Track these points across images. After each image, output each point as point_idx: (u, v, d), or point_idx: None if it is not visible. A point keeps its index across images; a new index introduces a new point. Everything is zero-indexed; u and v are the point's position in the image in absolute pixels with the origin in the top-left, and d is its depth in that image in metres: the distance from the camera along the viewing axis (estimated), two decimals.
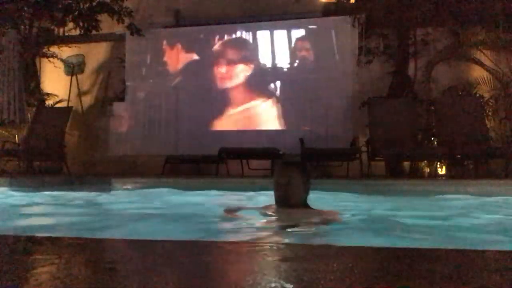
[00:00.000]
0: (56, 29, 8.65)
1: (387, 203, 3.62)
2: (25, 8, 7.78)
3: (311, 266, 0.52)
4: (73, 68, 8.67)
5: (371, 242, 1.78)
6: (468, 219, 2.79)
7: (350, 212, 2.82)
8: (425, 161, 6.80)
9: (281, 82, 7.74)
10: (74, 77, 8.67)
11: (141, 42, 8.12)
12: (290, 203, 2.51)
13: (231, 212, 2.77)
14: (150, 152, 7.78)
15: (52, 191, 4.54)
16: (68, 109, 7.92)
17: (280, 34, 7.85)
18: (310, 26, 7.76)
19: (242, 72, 7.87)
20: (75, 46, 8.60)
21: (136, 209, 3.42)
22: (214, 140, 7.05)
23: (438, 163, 6.67)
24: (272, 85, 7.78)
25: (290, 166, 2.72)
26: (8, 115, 6.55)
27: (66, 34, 8.45)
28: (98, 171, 7.80)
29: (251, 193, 4.02)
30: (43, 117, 7.60)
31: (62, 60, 8.53)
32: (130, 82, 8.24)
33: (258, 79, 7.80)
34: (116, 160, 7.92)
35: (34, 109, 7.97)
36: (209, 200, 3.97)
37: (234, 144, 6.82)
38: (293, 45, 7.78)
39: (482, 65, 6.95)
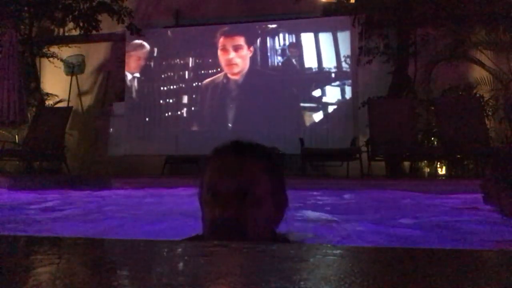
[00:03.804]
0: (56, 29, 8.66)
1: None
2: (25, 8, 7.79)
3: (311, 266, 0.52)
4: (73, 68, 8.68)
5: None
6: None
7: None
8: (425, 161, 6.80)
9: (281, 82, 7.74)
10: (74, 77, 8.67)
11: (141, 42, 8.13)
12: (248, 236, 1.01)
13: None
14: (150, 152, 7.78)
15: (52, 191, 4.54)
16: (68, 109, 7.92)
17: (280, 34, 7.86)
18: (310, 26, 7.76)
19: (241, 71, 7.88)
20: (75, 46, 8.60)
21: (133, 208, 3.43)
22: (214, 140, 7.05)
23: (438, 163, 6.67)
24: (271, 85, 7.78)
25: (247, 157, 1.11)
26: (8, 115, 6.55)
27: (66, 34, 8.46)
28: (98, 171, 7.80)
29: None
30: (43, 117, 7.60)
31: (62, 60, 8.53)
32: (130, 82, 8.24)
33: (258, 79, 7.80)
34: (116, 160, 7.92)
35: (34, 109, 7.97)
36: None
37: None
38: (293, 45, 7.78)
39: (482, 65, 6.94)
